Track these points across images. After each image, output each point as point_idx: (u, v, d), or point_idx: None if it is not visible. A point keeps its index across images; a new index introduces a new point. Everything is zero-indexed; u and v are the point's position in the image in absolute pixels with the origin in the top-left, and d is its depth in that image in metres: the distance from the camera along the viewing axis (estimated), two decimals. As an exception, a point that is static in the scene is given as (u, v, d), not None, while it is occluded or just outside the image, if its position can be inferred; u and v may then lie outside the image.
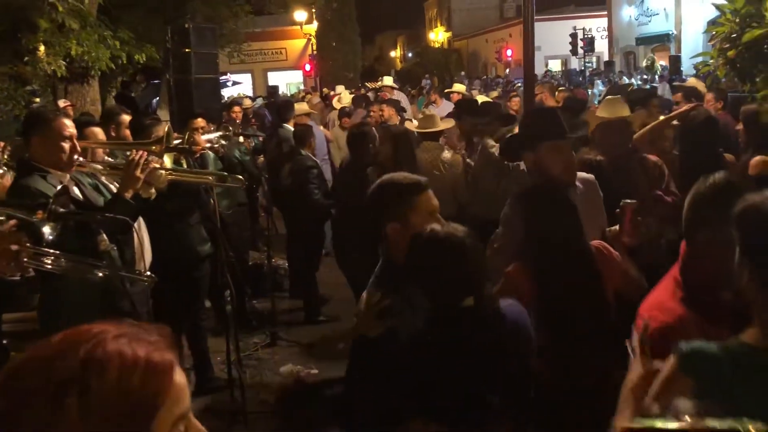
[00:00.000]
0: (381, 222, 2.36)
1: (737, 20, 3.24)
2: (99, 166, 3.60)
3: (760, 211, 1.52)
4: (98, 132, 4.33)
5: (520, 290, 2.54)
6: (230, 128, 6.52)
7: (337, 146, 8.98)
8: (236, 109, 9.26)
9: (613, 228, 3.09)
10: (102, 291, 3.17)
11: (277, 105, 11.02)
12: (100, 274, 2.98)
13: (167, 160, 3.69)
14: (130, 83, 12.68)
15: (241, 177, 4.55)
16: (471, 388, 2.06)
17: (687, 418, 1.28)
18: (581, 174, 3.32)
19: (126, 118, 5.21)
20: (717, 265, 1.78)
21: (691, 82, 7.51)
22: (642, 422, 1.37)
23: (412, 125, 6.82)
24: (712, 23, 3.43)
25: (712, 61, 3.51)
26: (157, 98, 12.36)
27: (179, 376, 0.98)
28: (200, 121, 5.69)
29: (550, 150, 3.09)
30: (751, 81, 3.16)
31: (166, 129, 3.71)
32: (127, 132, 5.07)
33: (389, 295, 2.18)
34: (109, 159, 4.12)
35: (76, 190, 3.29)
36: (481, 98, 9.06)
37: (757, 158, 4.43)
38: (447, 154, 5.49)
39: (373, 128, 6.13)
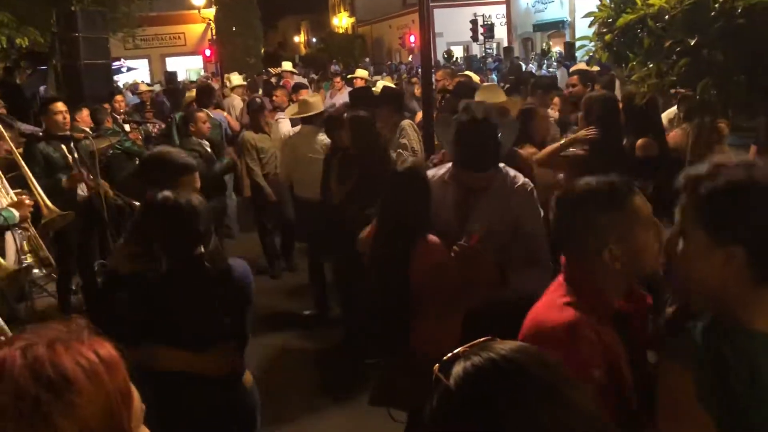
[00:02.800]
0: (145, 187, 2.70)
1: (613, 6, 3.41)
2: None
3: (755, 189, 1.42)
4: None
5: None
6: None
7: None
8: (118, 98, 8.90)
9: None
10: None
11: (176, 92, 10.71)
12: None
13: None
14: (14, 69, 11.95)
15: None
16: (204, 322, 2.52)
17: None
18: (512, 174, 3.07)
19: None
20: (602, 271, 1.78)
21: (580, 66, 7.85)
22: None
23: (291, 110, 6.90)
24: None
25: (591, 45, 3.68)
26: (45, 86, 11.73)
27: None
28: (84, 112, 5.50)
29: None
30: (627, 64, 3.33)
31: None
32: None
33: (138, 244, 2.59)
34: None
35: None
36: (382, 83, 9.14)
37: (643, 140, 4.68)
38: (322, 137, 5.73)
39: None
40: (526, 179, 3.07)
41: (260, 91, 12.11)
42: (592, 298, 1.80)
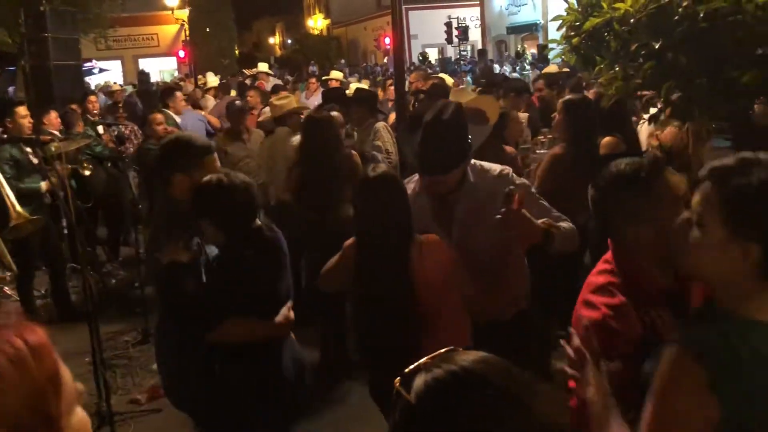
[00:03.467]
0: (169, 169, 2.78)
1: (580, 10, 3.46)
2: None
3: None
4: None
5: (349, 263, 2.81)
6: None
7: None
8: (92, 99, 8.79)
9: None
10: None
11: (149, 93, 10.61)
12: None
13: None
14: (-20, 70, 11.77)
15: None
16: (271, 289, 2.73)
17: None
18: (487, 167, 2.97)
19: None
20: (649, 252, 1.82)
21: (551, 68, 7.95)
22: None
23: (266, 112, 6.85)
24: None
25: (559, 48, 3.72)
26: (13, 86, 11.55)
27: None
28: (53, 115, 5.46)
29: None
30: (594, 67, 3.38)
31: None
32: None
33: (181, 233, 2.67)
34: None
35: None
36: (356, 85, 9.15)
37: (608, 138, 4.78)
38: (296, 139, 5.52)
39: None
40: (502, 166, 2.96)
41: (232, 92, 12.03)
42: (635, 280, 1.84)
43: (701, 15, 2.76)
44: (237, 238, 2.69)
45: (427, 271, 2.64)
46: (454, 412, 1.05)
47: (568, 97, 5.13)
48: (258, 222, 2.76)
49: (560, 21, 3.63)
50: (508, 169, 2.95)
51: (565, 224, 2.76)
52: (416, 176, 2.96)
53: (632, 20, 3.05)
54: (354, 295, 2.84)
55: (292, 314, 2.81)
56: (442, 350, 1.15)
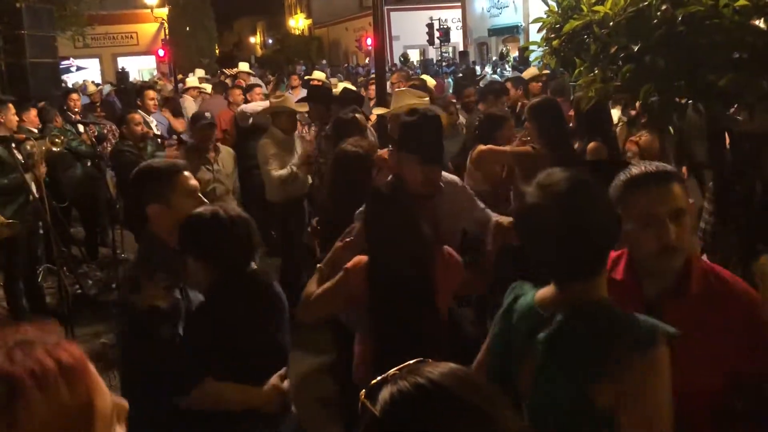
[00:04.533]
0: (141, 204, 2.47)
1: (560, 12, 3.47)
2: None
3: None
4: None
5: (354, 286, 2.58)
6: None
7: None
8: (74, 96, 8.69)
9: (502, 218, 3.16)
10: None
11: (127, 92, 10.49)
12: None
13: None
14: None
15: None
16: (261, 345, 2.35)
17: None
18: (447, 176, 3.21)
19: None
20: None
21: (530, 71, 7.98)
22: None
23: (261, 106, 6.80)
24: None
25: (539, 50, 3.73)
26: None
27: (90, 363, 0.91)
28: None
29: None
30: (574, 70, 3.39)
31: None
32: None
33: (161, 271, 2.33)
34: None
35: None
36: (343, 85, 9.11)
37: (593, 144, 4.79)
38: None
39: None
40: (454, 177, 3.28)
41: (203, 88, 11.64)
42: (613, 285, 1.82)
43: (679, 19, 2.78)
44: (229, 280, 2.34)
45: (448, 280, 2.63)
46: (417, 425, 1.04)
47: (532, 101, 5.17)
48: (254, 265, 2.44)
49: (540, 23, 3.64)
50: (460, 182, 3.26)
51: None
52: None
53: (611, 23, 3.06)
54: (371, 314, 2.57)
55: (286, 384, 2.39)
56: (411, 361, 1.14)
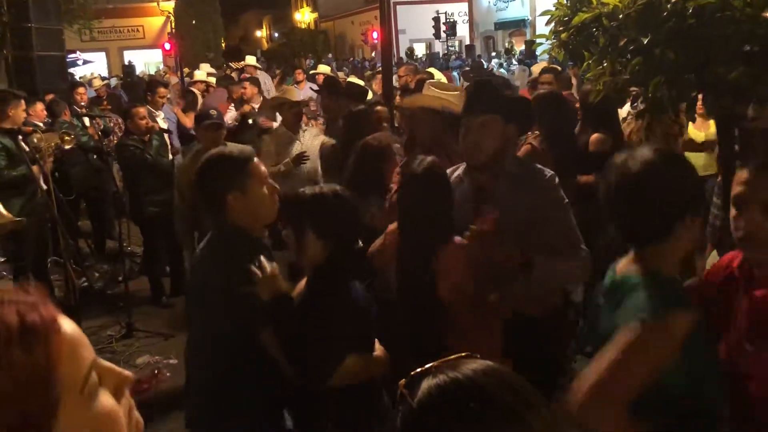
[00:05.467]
0: (219, 193, 2.44)
1: (569, 5, 3.44)
2: None
3: None
4: None
5: (392, 247, 2.81)
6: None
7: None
8: (80, 90, 8.69)
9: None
10: None
11: (134, 85, 10.48)
12: None
13: None
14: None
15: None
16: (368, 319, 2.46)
17: None
18: (543, 169, 3.03)
19: None
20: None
21: (542, 65, 7.95)
22: None
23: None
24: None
25: (548, 43, 3.70)
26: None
27: (68, 326, 0.85)
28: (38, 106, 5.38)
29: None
30: (582, 62, 3.36)
31: None
32: None
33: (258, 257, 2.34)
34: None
35: None
36: (352, 80, 9.07)
37: (596, 135, 4.79)
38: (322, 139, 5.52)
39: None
40: (549, 171, 2.99)
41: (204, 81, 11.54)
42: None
43: (689, 11, 2.75)
44: (345, 255, 2.41)
45: (450, 271, 2.64)
46: (450, 421, 1.05)
47: (537, 93, 5.14)
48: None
49: (549, 16, 3.62)
50: (549, 173, 2.96)
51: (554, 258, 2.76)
52: (463, 164, 3.05)
53: (621, 15, 3.04)
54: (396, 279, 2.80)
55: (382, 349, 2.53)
56: (454, 356, 1.14)
